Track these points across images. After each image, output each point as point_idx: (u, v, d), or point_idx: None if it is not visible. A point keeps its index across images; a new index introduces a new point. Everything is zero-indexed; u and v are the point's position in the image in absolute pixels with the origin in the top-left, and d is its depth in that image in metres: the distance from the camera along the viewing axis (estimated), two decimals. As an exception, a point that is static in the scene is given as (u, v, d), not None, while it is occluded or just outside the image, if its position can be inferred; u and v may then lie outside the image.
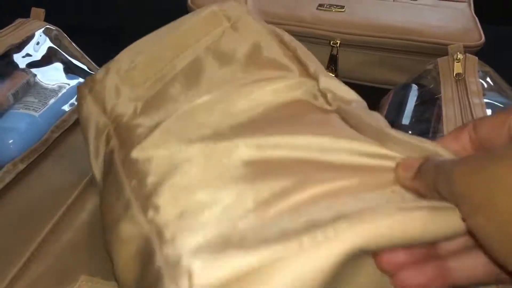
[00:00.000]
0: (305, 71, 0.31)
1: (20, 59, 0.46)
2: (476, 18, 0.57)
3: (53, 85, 0.46)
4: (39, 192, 0.38)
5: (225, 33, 0.34)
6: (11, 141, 0.39)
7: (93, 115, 0.32)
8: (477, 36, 0.53)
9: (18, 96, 0.43)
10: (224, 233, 0.20)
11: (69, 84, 0.46)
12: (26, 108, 0.42)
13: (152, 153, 0.26)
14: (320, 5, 0.59)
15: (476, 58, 0.43)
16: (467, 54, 0.43)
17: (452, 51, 0.43)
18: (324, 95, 0.29)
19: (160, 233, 0.22)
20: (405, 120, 0.40)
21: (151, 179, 0.25)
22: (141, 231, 0.23)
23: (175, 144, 0.26)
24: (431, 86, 0.42)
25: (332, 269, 0.18)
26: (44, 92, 0.44)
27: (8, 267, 0.32)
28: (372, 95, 0.36)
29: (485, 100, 0.38)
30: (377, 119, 0.26)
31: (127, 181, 0.26)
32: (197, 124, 0.28)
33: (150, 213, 0.23)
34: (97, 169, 0.31)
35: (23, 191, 0.38)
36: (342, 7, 0.58)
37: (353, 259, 0.19)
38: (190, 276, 0.19)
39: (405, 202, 0.21)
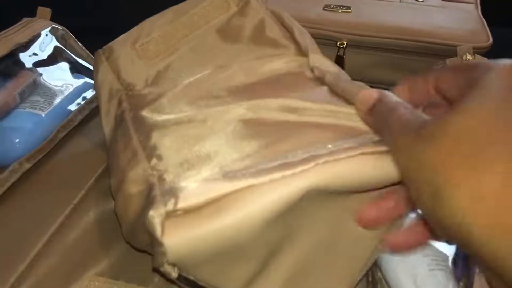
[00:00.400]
0: (299, 49, 0.35)
1: (26, 59, 0.46)
2: (484, 20, 0.57)
3: (59, 84, 0.45)
4: (45, 191, 0.38)
5: (233, 16, 0.38)
6: (17, 140, 0.39)
7: (108, 81, 0.35)
8: (485, 38, 0.53)
9: (24, 96, 0.42)
10: (214, 173, 0.23)
11: (75, 84, 0.46)
12: (32, 108, 0.41)
13: (159, 113, 0.30)
14: (326, 5, 0.59)
15: (486, 59, 0.42)
16: (476, 55, 0.42)
17: (461, 52, 0.42)
18: (312, 70, 0.33)
19: (161, 177, 0.25)
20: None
21: (156, 134, 0.28)
22: (145, 174, 0.26)
23: (179, 106, 0.30)
24: (440, 87, 0.42)
25: (295, 199, 0.22)
26: (50, 92, 0.44)
27: (15, 266, 0.32)
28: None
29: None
30: (358, 85, 0.29)
31: (136, 135, 0.29)
32: (200, 91, 0.31)
33: (153, 161, 0.26)
34: (107, 125, 0.35)
35: (29, 190, 0.38)
36: (349, 7, 0.58)
37: (316, 195, 0.22)
38: (176, 198, 0.22)
39: (372, 146, 0.23)
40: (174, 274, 0.23)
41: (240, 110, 0.28)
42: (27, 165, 0.39)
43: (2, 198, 0.37)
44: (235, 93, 0.31)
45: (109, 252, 0.33)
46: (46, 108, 0.42)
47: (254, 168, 0.23)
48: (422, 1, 0.61)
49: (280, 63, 0.34)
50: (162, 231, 0.21)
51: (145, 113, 0.31)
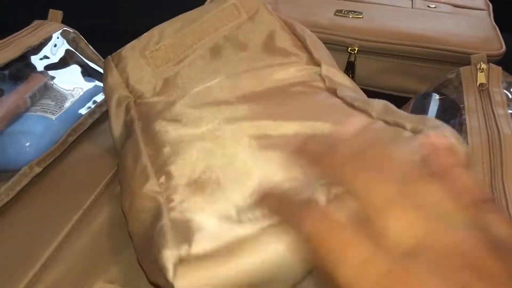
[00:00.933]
0: (311, 59, 0.35)
1: (37, 61, 0.46)
2: (496, 27, 0.56)
3: (70, 88, 0.45)
4: (56, 196, 0.38)
5: (243, 24, 0.38)
6: (27, 144, 0.39)
7: (116, 87, 0.36)
8: (498, 45, 0.52)
9: (35, 99, 0.42)
10: (226, 213, 0.23)
11: (85, 87, 0.46)
12: (43, 111, 0.41)
13: (169, 125, 0.30)
14: (338, 11, 0.59)
15: (500, 68, 0.42)
16: (490, 64, 0.42)
17: (475, 60, 0.42)
18: (323, 80, 0.33)
19: (169, 197, 0.25)
20: (427, 130, 0.39)
21: (167, 150, 0.28)
22: (153, 191, 0.26)
23: (189, 117, 0.30)
24: (453, 95, 0.42)
25: None
26: (61, 95, 0.44)
27: (24, 272, 0.31)
28: (392, 103, 0.35)
29: (510, 111, 0.37)
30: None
31: (145, 149, 0.29)
32: (210, 100, 0.31)
33: (162, 179, 0.27)
34: (116, 131, 0.35)
35: (39, 194, 0.38)
36: (360, 13, 0.58)
37: None
38: (190, 242, 0.22)
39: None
40: None
41: (250, 129, 0.28)
42: (38, 169, 0.39)
43: (13, 201, 0.37)
44: (246, 103, 0.30)
45: (119, 259, 0.33)
46: (56, 111, 0.42)
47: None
48: (434, 7, 0.61)
49: (291, 71, 0.34)
50: (174, 274, 0.21)
51: (156, 125, 0.31)
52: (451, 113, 0.40)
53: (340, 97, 0.30)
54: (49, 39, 0.47)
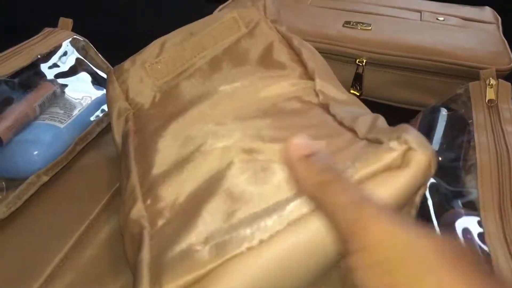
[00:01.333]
0: (306, 73, 0.35)
1: (47, 70, 0.46)
2: (506, 41, 0.56)
3: (79, 96, 0.46)
4: (63, 205, 0.38)
5: (242, 38, 0.38)
6: (36, 152, 0.39)
7: (117, 99, 0.36)
8: (507, 60, 0.52)
9: (44, 107, 0.42)
10: (199, 242, 0.22)
11: (94, 96, 0.46)
12: (51, 119, 0.41)
13: (161, 146, 0.30)
14: (346, 22, 0.59)
15: (510, 84, 0.42)
16: (500, 79, 0.42)
17: (484, 76, 0.42)
18: (317, 95, 0.33)
19: (153, 221, 0.25)
20: (435, 145, 0.39)
21: (155, 171, 0.28)
22: (139, 215, 0.26)
23: (181, 140, 0.30)
24: (462, 111, 0.42)
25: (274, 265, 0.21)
26: (70, 103, 0.44)
27: (30, 283, 0.31)
28: (400, 116, 0.35)
29: (519, 129, 0.37)
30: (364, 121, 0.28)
31: (136, 167, 0.29)
32: (206, 118, 0.31)
33: (149, 201, 0.26)
34: (118, 141, 0.35)
35: (46, 203, 0.38)
36: (369, 25, 0.58)
37: None
38: (164, 276, 0.21)
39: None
40: None
41: (239, 155, 0.27)
42: (45, 178, 0.39)
43: (19, 210, 0.37)
44: (238, 123, 0.30)
45: (126, 269, 0.33)
46: (65, 120, 0.42)
47: (234, 233, 0.22)
48: (443, 20, 0.61)
49: (284, 85, 0.34)
50: None
51: (148, 142, 0.31)
52: (459, 129, 0.40)
53: (332, 114, 0.30)
54: (59, 47, 0.48)
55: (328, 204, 0.20)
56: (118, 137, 0.35)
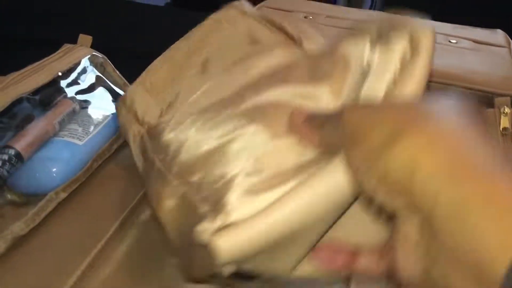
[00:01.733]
0: (292, 40, 0.37)
1: (66, 86, 0.47)
2: (518, 65, 0.56)
3: (97, 112, 0.46)
4: (79, 222, 0.39)
5: (227, 33, 0.40)
6: (54, 169, 0.40)
7: (129, 124, 0.37)
8: (520, 85, 0.52)
9: (63, 124, 0.43)
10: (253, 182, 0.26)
11: (111, 112, 0.47)
12: (70, 137, 0.42)
13: (170, 135, 0.33)
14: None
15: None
16: (513, 108, 0.42)
17: (498, 104, 0.42)
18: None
19: (187, 181, 0.28)
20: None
21: (172, 148, 0.31)
22: (172, 185, 0.29)
23: (184, 126, 0.32)
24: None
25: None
26: (88, 120, 0.45)
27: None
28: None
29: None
30: None
31: (156, 157, 0.32)
32: (197, 109, 0.33)
33: (174, 169, 0.30)
34: (138, 162, 0.36)
35: (63, 220, 0.39)
36: (382, 47, 0.58)
37: None
38: (226, 214, 0.24)
39: None
40: (226, 273, 0.25)
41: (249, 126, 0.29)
42: (63, 195, 0.39)
43: (37, 227, 0.37)
44: (238, 97, 0.33)
45: (141, 289, 0.33)
46: (83, 137, 0.43)
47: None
48: (456, 42, 0.61)
49: (276, 53, 0.35)
50: (215, 240, 0.23)
51: (160, 139, 0.33)
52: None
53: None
54: (78, 64, 0.48)
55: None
56: (138, 160, 0.35)
